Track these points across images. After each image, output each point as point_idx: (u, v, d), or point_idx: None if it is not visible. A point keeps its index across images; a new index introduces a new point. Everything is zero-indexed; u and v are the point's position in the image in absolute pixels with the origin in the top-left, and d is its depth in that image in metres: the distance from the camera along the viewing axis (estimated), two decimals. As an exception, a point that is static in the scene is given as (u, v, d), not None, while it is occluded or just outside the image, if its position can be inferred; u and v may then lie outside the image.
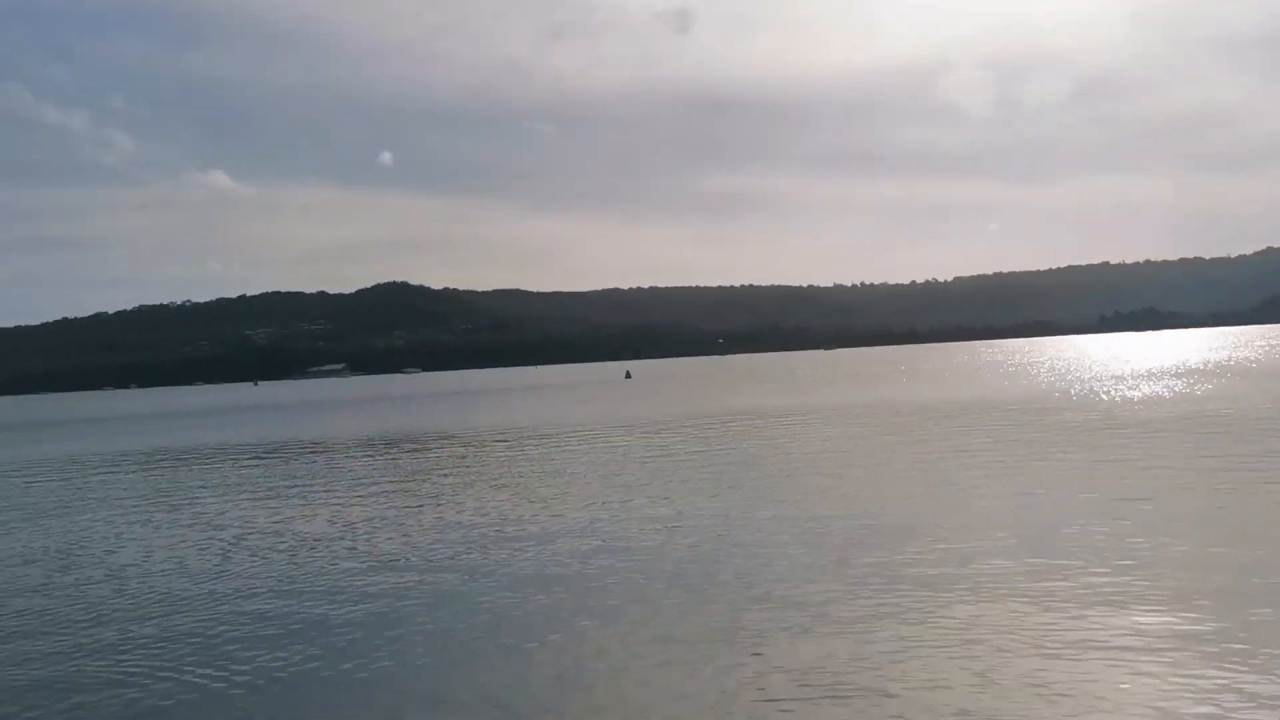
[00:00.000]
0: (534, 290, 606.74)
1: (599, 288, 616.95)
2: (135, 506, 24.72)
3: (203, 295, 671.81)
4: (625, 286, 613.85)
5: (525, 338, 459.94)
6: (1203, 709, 8.04)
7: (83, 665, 11.09)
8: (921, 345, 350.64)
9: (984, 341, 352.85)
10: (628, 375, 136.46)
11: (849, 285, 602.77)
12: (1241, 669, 8.81)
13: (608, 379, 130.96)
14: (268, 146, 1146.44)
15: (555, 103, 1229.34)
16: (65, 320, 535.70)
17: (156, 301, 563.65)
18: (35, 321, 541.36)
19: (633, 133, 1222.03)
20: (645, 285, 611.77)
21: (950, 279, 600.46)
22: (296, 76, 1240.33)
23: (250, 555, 17.04)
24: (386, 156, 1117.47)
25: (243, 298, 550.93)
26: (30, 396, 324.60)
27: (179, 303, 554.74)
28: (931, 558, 13.80)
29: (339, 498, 23.94)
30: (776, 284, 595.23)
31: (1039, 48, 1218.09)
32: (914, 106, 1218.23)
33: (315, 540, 18.09)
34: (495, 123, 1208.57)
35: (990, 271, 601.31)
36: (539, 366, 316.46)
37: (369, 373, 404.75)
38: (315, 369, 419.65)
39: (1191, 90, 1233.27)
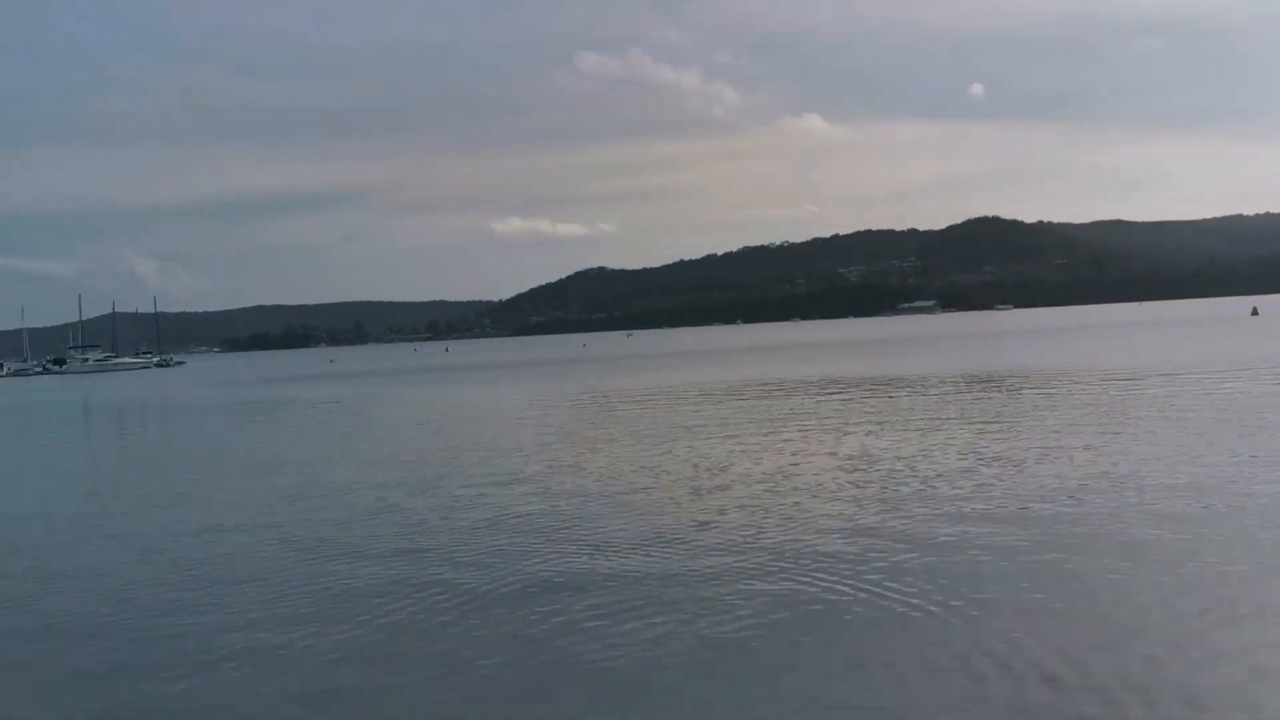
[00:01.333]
0: (1137, 220, 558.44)
1: (1216, 215, 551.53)
2: (763, 430, 27.00)
3: (799, 235, 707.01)
4: (1249, 213, 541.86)
5: (1129, 272, 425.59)
6: None
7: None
8: None
9: None
10: (1254, 312, 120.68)
11: None
12: None
13: (1230, 317, 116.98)
14: (858, 88, 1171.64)
15: (1164, 13, 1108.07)
16: (680, 262, 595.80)
17: (759, 243, 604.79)
18: (656, 264, 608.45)
19: (1259, 35, 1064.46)
20: (1276, 210, 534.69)
21: None
22: (884, 13, 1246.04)
23: (858, 485, 17.86)
24: (977, 88, 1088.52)
25: (835, 237, 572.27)
26: (655, 331, 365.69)
27: (778, 243, 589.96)
28: None
29: (955, 431, 24.12)
30: None
31: None
32: None
33: (937, 474, 18.45)
34: (1093, 43, 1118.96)
35: None
36: (1143, 303, 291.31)
37: (959, 309, 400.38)
38: (905, 305, 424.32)
39: None
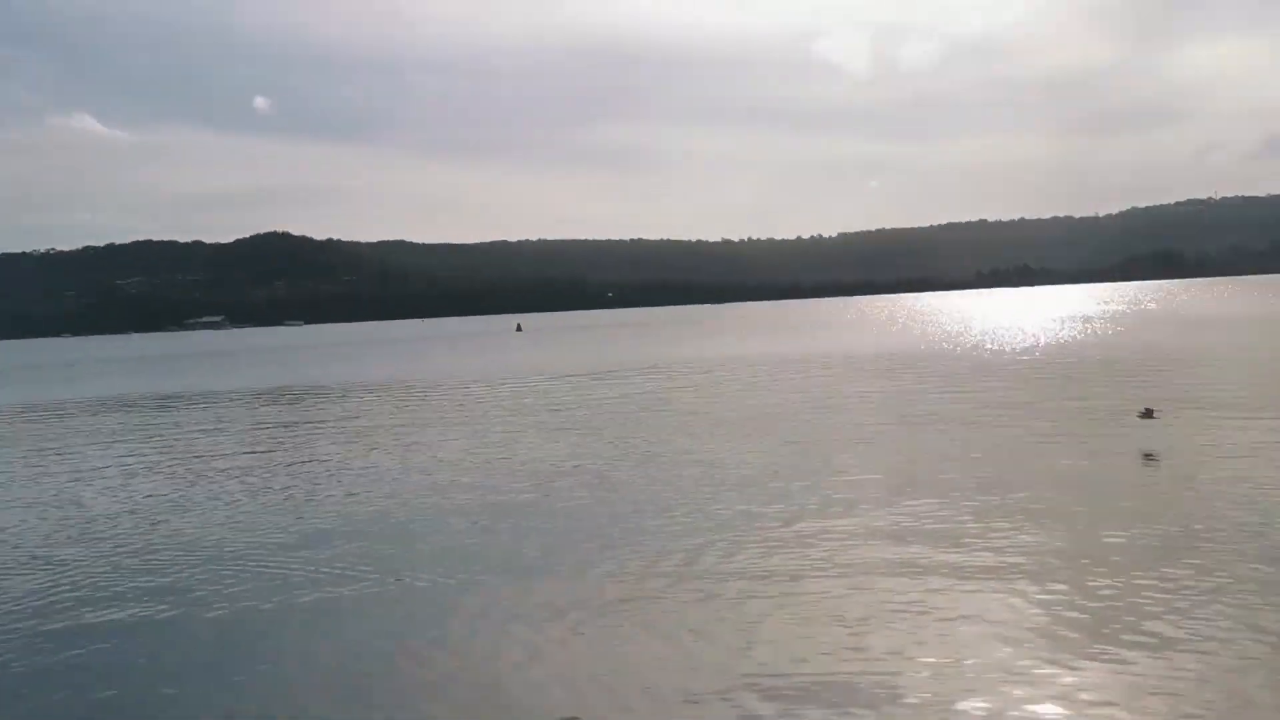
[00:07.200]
0: (419, 242, 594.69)
1: (486, 240, 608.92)
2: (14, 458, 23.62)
3: (69, 244, 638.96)
4: (513, 239, 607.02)
5: (411, 290, 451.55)
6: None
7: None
8: (807, 300, 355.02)
9: (866, 296, 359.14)
10: (519, 329, 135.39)
11: (736, 240, 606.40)
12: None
13: (498, 332, 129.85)
14: (138, 89, 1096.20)
15: (441, 52, 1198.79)
16: None
17: (15, 250, 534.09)
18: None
19: (520, 83, 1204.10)
20: (534, 238, 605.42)
21: (835, 235, 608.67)
22: (167, 14, 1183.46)
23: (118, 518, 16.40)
24: (262, 101, 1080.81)
25: (111, 246, 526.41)
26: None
27: (42, 251, 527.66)
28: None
29: (227, 453, 23.23)
30: (665, 238, 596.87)
31: (910, 11, 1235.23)
32: (795, 64, 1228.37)
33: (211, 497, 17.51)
34: (379, 70, 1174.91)
35: (873, 228, 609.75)
36: (425, 320, 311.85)
37: (250, 324, 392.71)
38: (193, 321, 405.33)
39: (1061, 54, 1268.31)
